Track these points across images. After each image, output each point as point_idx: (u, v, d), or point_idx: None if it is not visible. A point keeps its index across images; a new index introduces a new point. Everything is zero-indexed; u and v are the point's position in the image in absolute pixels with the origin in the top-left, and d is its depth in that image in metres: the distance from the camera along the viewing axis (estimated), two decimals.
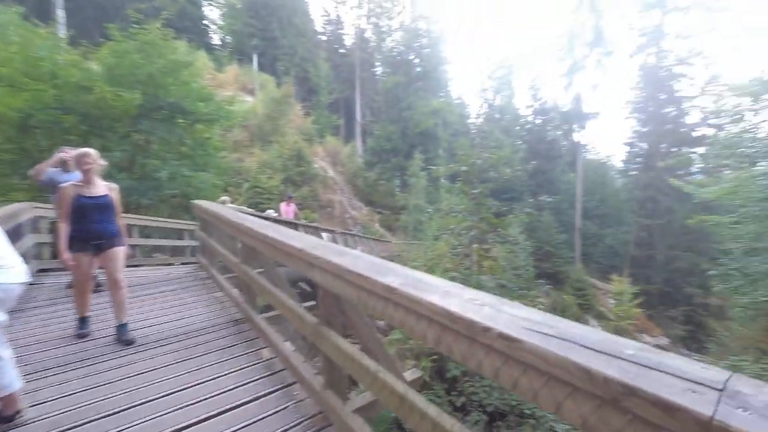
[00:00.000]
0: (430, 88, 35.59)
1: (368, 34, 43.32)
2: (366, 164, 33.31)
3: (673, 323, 26.84)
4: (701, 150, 31.41)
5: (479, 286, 10.22)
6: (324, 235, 12.20)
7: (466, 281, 10.04)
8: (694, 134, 30.44)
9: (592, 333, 0.84)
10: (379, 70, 44.31)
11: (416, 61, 35.22)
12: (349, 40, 45.61)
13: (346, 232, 15.95)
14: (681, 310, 27.17)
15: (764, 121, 6.14)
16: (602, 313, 26.59)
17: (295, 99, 34.30)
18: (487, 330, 0.93)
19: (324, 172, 28.11)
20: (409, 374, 2.66)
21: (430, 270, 21.21)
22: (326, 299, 1.88)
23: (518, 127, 39.27)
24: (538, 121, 37.53)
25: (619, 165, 40.30)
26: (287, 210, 10.52)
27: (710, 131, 30.23)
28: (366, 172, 32.76)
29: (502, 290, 9.58)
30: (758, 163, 6.78)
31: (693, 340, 26.73)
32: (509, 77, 44.40)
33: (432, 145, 31.68)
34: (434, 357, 10.02)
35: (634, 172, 35.10)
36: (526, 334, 0.86)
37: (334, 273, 1.64)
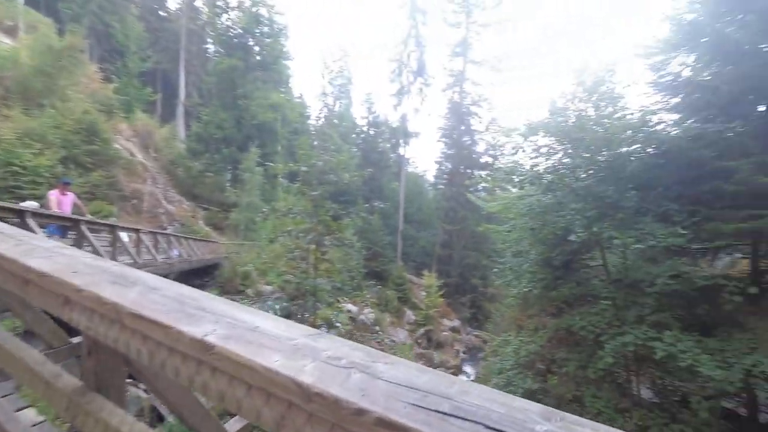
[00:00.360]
0: (270, 80, 33.69)
1: (199, 3, 37.67)
2: (189, 152, 28.69)
3: (463, 308, 33.79)
4: (485, 173, 41.20)
5: (316, 289, 10.08)
6: (123, 235, 9.57)
7: (301, 285, 9.73)
8: (481, 160, 39.34)
9: (494, 402, 0.64)
10: (211, 48, 39.11)
11: (256, 48, 32.75)
12: (173, 4, 38.53)
13: (158, 231, 13.10)
14: (468, 298, 34.56)
15: (530, 156, 8.38)
16: (415, 303, 30.91)
17: (91, 58, 26.41)
18: (360, 413, 0.63)
19: (130, 156, 22.61)
20: None
21: (263, 273, 20.01)
22: (98, 354, 1.20)
23: (354, 135, 42.00)
24: (371, 132, 41.28)
25: (431, 179, 48.72)
26: (62, 201, 7.70)
27: (490, 159, 39.90)
28: (189, 161, 28.23)
29: (339, 291, 9.75)
30: (523, 188, 9.20)
31: (475, 320, 34.45)
32: (348, 87, 46.95)
33: (270, 141, 29.96)
34: None
35: (441, 186, 42.91)
36: (416, 417, 0.60)
37: (110, 317, 1.02)
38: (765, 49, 6.84)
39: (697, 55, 7.96)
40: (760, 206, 6.66)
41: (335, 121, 43.13)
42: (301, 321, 10.08)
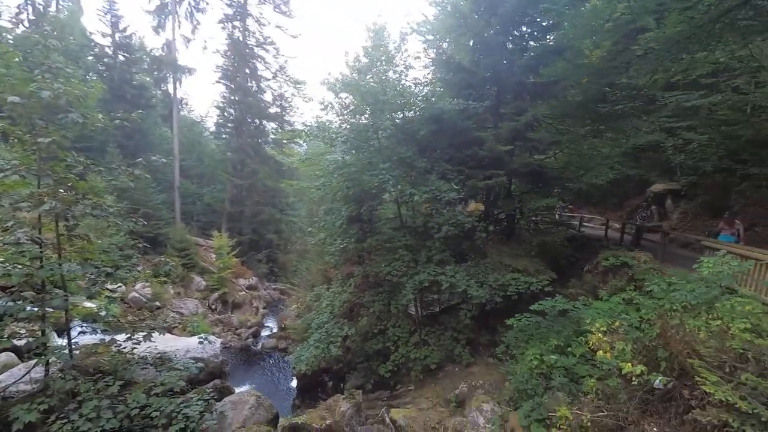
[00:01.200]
0: None
1: None
2: None
3: (259, 264, 32.86)
4: (274, 124, 39.35)
5: (64, 279, 7.04)
6: None
7: (34, 276, 6.58)
8: (270, 110, 37.16)
9: None
10: None
11: None
12: None
13: None
14: (264, 254, 33.78)
15: (338, 114, 8.37)
16: (205, 268, 27.64)
17: None
18: None
19: None
20: None
21: None
22: None
23: (92, 58, 30.56)
24: (121, 58, 31.12)
25: (212, 127, 42.27)
26: None
27: (279, 110, 38.30)
28: None
29: (108, 277, 7.12)
30: (334, 145, 9.22)
31: (273, 274, 34.38)
32: None
33: None
34: None
35: (226, 136, 38.14)
36: None
37: None
38: (506, 44, 9.05)
39: (462, 42, 9.77)
40: (496, 167, 9.20)
41: (48, 28, 29.55)
42: (39, 320, 6.95)
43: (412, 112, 9.16)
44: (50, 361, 6.86)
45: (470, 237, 8.70)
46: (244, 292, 28.27)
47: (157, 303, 20.83)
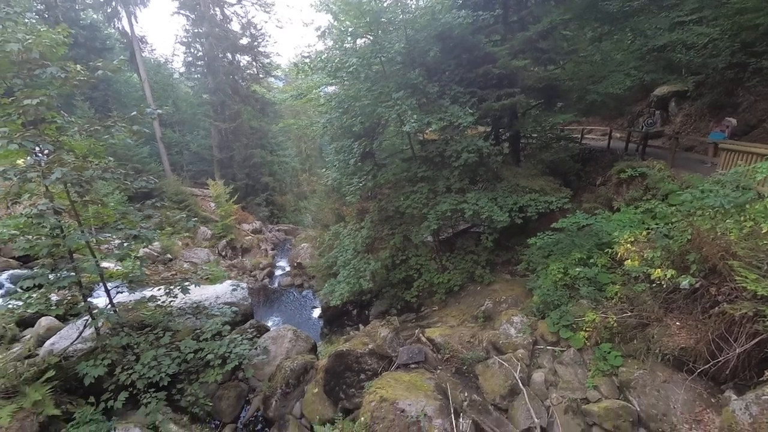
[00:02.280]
0: None
1: None
2: None
3: (259, 208, 32.89)
4: (247, 58, 36.05)
5: (91, 245, 6.97)
6: None
7: (59, 247, 6.51)
8: (241, 42, 33.75)
9: None
10: None
11: None
12: None
13: None
14: (263, 197, 33.58)
15: (338, 43, 7.59)
16: (207, 217, 27.66)
17: None
18: None
19: None
20: None
21: None
22: None
23: None
24: None
25: (181, 68, 38.55)
26: None
27: (249, 41, 34.79)
28: None
29: (124, 235, 7.05)
30: (337, 77, 8.54)
31: (274, 216, 34.64)
32: None
33: None
34: (45, 380, 6.40)
35: (198, 76, 35.12)
36: None
37: None
38: None
39: None
40: (510, 85, 8.75)
41: None
42: (77, 285, 7.10)
43: (416, 31, 8.35)
44: (100, 321, 7.14)
45: (484, 162, 8.62)
46: (250, 237, 28.70)
47: (169, 255, 21.16)
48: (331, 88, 12.48)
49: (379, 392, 6.07)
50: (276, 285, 20.75)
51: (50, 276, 6.46)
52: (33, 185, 6.17)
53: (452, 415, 5.41)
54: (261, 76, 37.64)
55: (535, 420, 5.26)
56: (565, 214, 8.41)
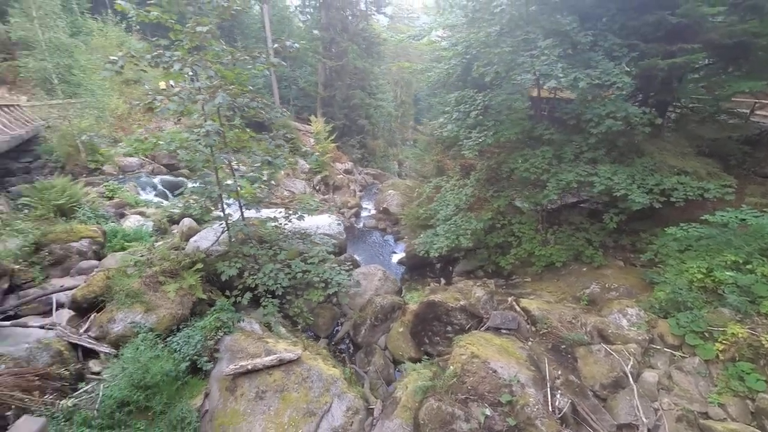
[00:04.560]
0: None
1: None
2: None
3: (353, 150, 34.04)
4: None
5: (232, 165, 7.97)
6: None
7: (209, 162, 7.52)
8: None
9: None
10: None
11: None
12: None
13: None
14: (357, 139, 34.53)
15: None
16: (307, 151, 29.61)
17: None
18: None
19: None
20: None
21: (114, 143, 15.37)
22: None
23: None
24: None
25: (296, 1, 39.33)
26: None
27: None
28: None
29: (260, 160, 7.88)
30: (475, 20, 7.82)
31: (365, 159, 35.68)
32: None
33: None
34: (196, 270, 7.89)
35: (310, 10, 35.56)
36: None
37: None
38: None
39: None
40: (684, 39, 7.12)
41: None
42: (219, 198, 8.29)
43: None
44: (234, 230, 8.38)
45: (626, 131, 7.41)
46: (341, 176, 30.18)
47: (273, 182, 23.33)
48: (438, 32, 11.60)
49: (470, 348, 6.23)
50: (361, 225, 21.88)
51: (205, 187, 7.63)
52: (197, 106, 7.08)
53: (548, 389, 5.35)
54: (371, 12, 36.73)
55: (643, 419, 4.94)
56: (719, 206, 7.05)
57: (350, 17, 33.28)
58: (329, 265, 9.29)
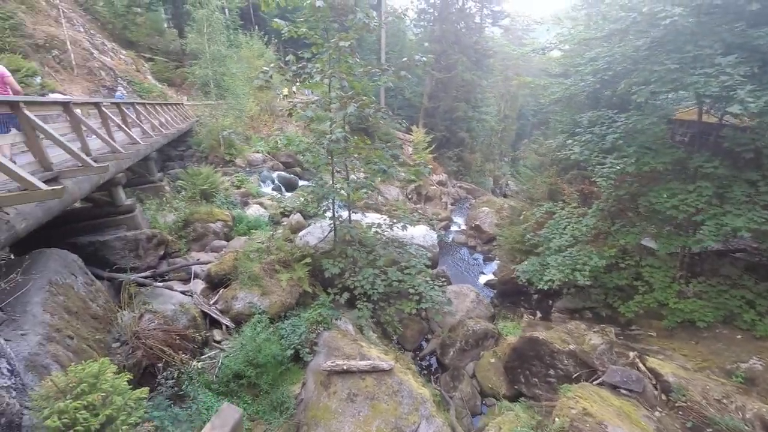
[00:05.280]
0: None
1: None
2: None
3: (449, 162, 33.68)
4: (477, 4, 34.64)
5: (348, 169, 8.44)
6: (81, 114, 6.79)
7: (328, 165, 8.01)
8: None
9: None
10: None
11: None
12: None
13: (120, 101, 9.78)
14: (454, 152, 34.08)
15: None
16: (404, 161, 30.15)
17: None
18: None
19: None
20: None
21: (247, 140, 17.52)
22: None
23: None
24: None
25: (411, 15, 40.72)
26: None
27: None
28: None
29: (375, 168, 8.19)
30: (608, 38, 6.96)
31: (459, 173, 35.01)
32: None
33: None
34: (306, 261, 8.53)
35: (423, 23, 36.38)
36: None
37: None
38: None
39: None
40: None
41: None
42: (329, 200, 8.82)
43: None
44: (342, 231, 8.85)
45: None
46: (434, 187, 30.02)
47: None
48: (554, 53, 10.60)
49: (581, 402, 5.45)
50: (450, 239, 21.36)
51: (321, 188, 8.21)
52: (330, 114, 7.67)
53: None
54: (485, 24, 36.07)
55: None
56: None
57: (464, 30, 33.15)
58: (423, 277, 9.18)
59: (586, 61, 8.36)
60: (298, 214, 13.46)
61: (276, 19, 7.66)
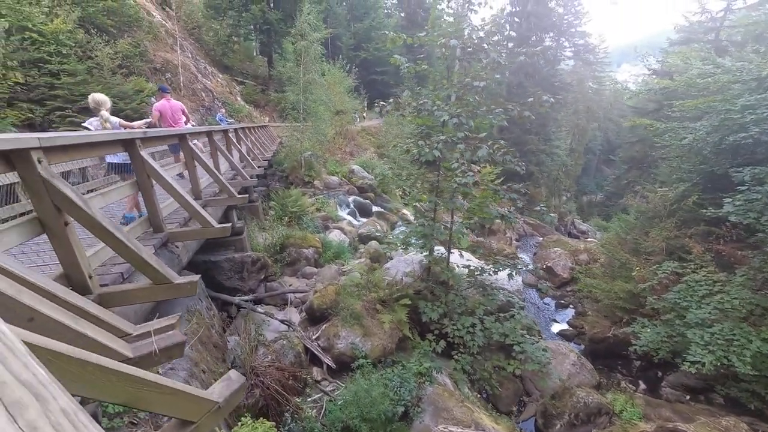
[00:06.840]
0: None
1: None
2: (210, 8, 23.35)
3: (515, 196, 32.30)
4: (555, 37, 33.88)
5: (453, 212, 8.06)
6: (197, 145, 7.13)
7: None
8: (559, 21, 31.73)
9: None
10: None
11: None
12: None
13: (228, 128, 10.32)
14: (522, 185, 32.68)
15: None
16: (467, 192, 29.34)
17: None
18: None
19: (148, 16, 18.12)
20: None
21: (324, 163, 17.82)
22: None
23: None
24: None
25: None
26: (169, 113, 5.14)
27: (570, 18, 32.16)
28: (212, 21, 23.30)
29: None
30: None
31: (524, 208, 33.41)
32: None
33: None
34: (405, 303, 8.12)
35: (504, 53, 36.13)
36: None
37: None
38: None
39: None
40: None
41: None
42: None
43: None
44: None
45: None
46: (498, 221, 28.64)
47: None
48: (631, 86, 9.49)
49: None
50: (520, 280, 19.85)
51: (425, 227, 7.87)
52: (455, 155, 7.41)
53: None
54: (562, 57, 35.04)
55: None
56: None
57: (541, 62, 32.39)
58: (526, 333, 8.38)
59: (740, 108, 7.35)
60: (376, 242, 13.24)
61: (395, 56, 7.64)
